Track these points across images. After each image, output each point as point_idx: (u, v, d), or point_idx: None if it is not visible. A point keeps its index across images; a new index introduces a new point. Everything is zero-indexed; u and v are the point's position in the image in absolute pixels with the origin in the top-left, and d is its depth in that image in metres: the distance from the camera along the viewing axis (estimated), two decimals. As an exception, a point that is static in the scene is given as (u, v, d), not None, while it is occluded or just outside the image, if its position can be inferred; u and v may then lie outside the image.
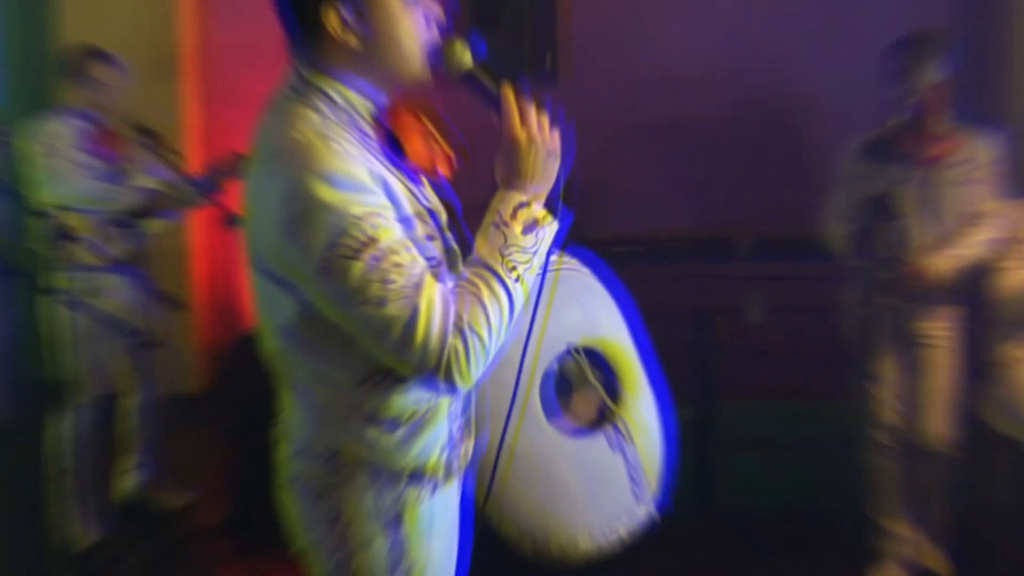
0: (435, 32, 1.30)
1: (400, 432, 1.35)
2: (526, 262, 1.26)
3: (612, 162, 4.00)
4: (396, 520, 1.37)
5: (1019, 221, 2.77)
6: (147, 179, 3.36)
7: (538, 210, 1.28)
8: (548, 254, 1.34)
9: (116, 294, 3.28)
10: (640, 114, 4.19)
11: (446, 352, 1.19)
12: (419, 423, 1.35)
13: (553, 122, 1.27)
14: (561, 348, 1.81)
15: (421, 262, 1.21)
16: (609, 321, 1.87)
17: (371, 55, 1.29)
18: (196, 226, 4.68)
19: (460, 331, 1.20)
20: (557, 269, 1.58)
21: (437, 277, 1.22)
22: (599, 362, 1.83)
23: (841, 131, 2.92)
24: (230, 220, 3.10)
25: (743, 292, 3.48)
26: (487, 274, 1.25)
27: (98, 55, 3.32)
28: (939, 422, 2.79)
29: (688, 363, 3.26)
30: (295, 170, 1.17)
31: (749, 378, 3.57)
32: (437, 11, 1.30)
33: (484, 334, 1.21)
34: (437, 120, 1.39)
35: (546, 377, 1.80)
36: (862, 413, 2.85)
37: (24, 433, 3.74)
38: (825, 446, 3.16)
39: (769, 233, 3.53)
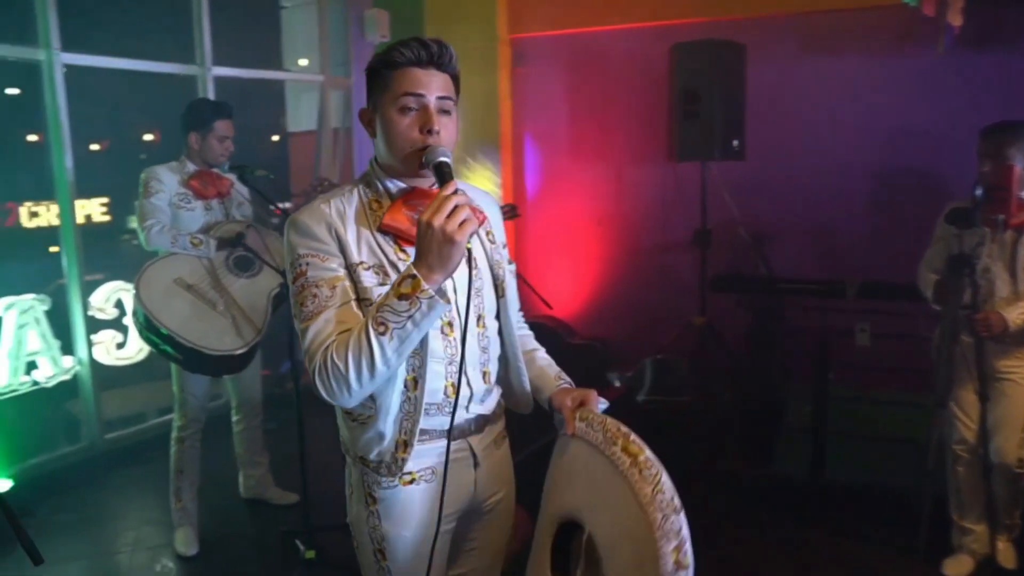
0: (420, 136, 1.43)
1: (355, 426, 1.54)
2: (398, 322, 1.31)
3: (773, 217, 4.43)
4: (370, 498, 1.55)
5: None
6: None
7: (422, 285, 1.29)
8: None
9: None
10: (793, 180, 4.58)
11: (315, 366, 1.37)
12: (362, 422, 1.52)
13: (467, 223, 1.28)
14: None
15: (327, 296, 1.40)
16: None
17: (383, 148, 1.49)
18: (508, 240, 5.65)
19: (326, 356, 1.36)
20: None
21: (344, 310, 1.39)
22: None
23: (940, 198, 3.06)
24: None
25: (855, 322, 3.70)
26: (365, 322, 1.34)
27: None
28: (1010, 442, 2.82)
29: (809, 372, 3.60)
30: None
31: (856, 384, 3.83)
32: (425, 120, 1.42)
33: (341, 364, 1.34)
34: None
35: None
36: (945, 429, 2.94)
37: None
38: (914, 445, 3.34)
39: (876, 278, 3.72)
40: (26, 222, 4.18)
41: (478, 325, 1.57)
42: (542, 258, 5.68)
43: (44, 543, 3.39)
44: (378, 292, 1.40)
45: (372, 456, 1.51)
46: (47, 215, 4.28)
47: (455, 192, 1.32)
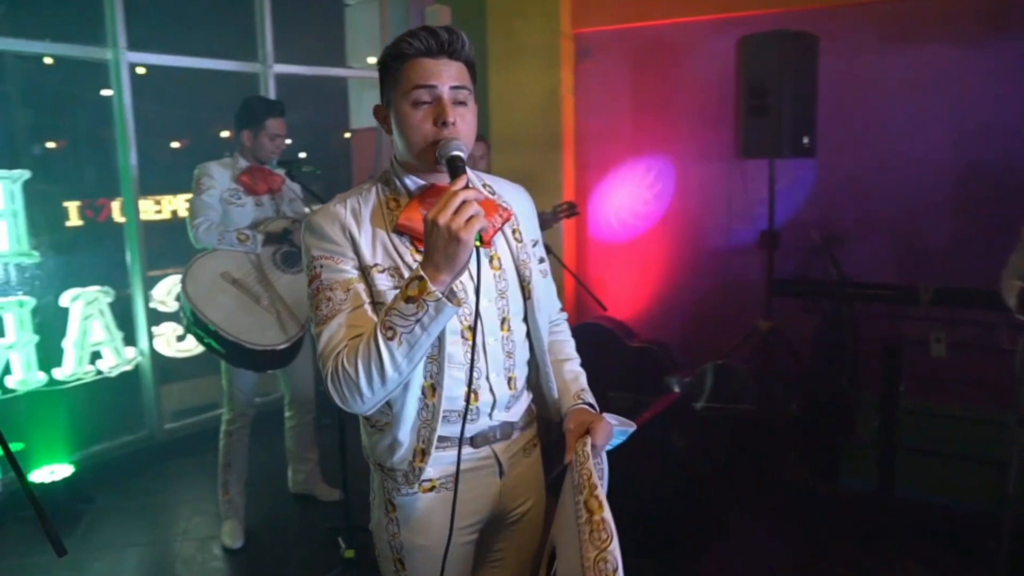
0: (433, 129, 1.37)
1: (372, 432, 1.50)
2: (406, 327, 1.26)
3: (845, 218, 4.18)
4: (390, 505, 1.51)
5: None
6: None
7: (428, 287, 1.24)
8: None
9: None
10: (867, 179, 4.30)
11: (327, 372, 1.33)
12: (379, 428, 1.48)
13: (473, 219, 1.22)
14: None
15: (341, 299, 1.36)
16: None
17: (399, 143, 1.44)
18: (569, 239, 5.57)
19: (338, 362, 1.32)
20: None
21: (358, 314, 1.35)
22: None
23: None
24: (545, 250, 3.86)
25: (930, 331, 3.44)
26: (374, 327, 1.30)
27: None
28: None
29: (880, 383, 3.38)
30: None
31: (930, 398, 3.58)
32: (439, 112, 1.36)
33: (351, 371, 1.29)
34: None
35: None
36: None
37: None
38: (992, 466, 3.13)
39: (954, 284, 3.44)
40: (118, 217, 4.28)
41: (502, 328, 1.50)
42: (603, 257, 5.55)
43: (102, 528, 3.51)
44: (393, 295, 1.34)
45: (389, 464, 1.47)
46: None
47: (465, 187, 1.26)
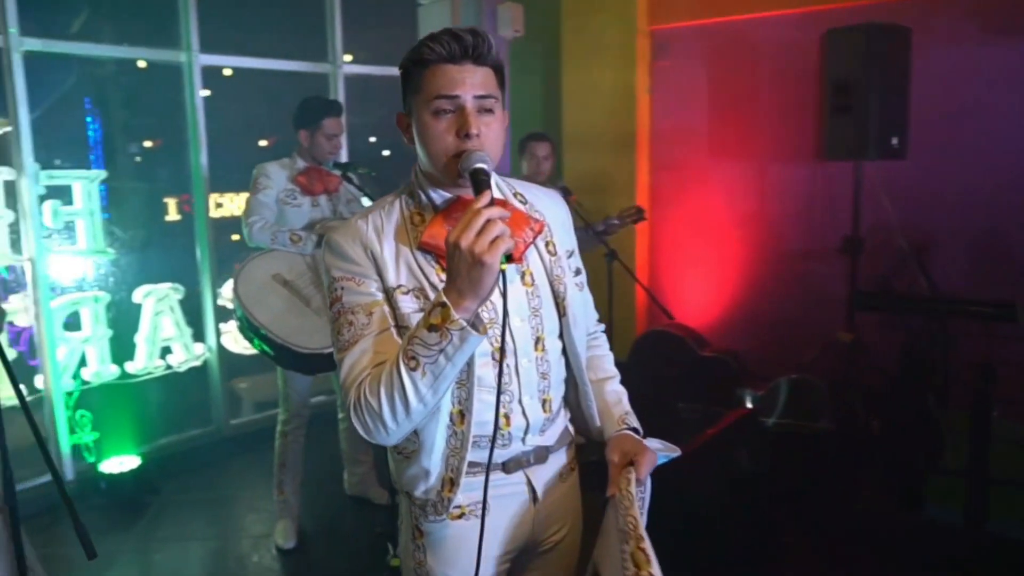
0: (456, 141, 1.28)
1: (399, 459, 1.42)
2: (429, 356, 1.18)
3: (937, 225, 3.85)
4: (417, 531, 1.44)
5: None
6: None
7: (451, 315, 1.16)
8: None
9: None
10: (963, 183, 3.96)
11: (350, 402, 1.26)
12: (406, 456, 1.39)
13: (499, 240, 1.13)
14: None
15: (363, 324, 1.28)
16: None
17: (422, 155, 1.35)
18: (641, 242, 5.39)
19: (360, 392, 1.25)
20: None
21: (382, 339, 1.27)
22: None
23: None
24: (611, 256, 3.73)
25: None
26: (396, 355, 1.22)
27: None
28: None
29: (971, 406, 3.08)
30: None
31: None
32: (463, 124, 1.27)
33: (374, 402, 1.22)
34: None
35: None
36: None
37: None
38: None
39: None
40: (212, 212, 4.38)
41: (536, 348, 1.41)
42: (676, 262, 5.35)
43: (164, 520, 3.58)
44: (418, 319, 1.25)
45: (417, 493, 1.39)
46: (229, 206, 4.59)
47: (490, 203, 1.17)
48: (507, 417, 1.39)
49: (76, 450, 3.77)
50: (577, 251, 1.58)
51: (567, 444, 1.54)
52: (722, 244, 5.08)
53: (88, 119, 5.80)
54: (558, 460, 1.51)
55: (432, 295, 1.30)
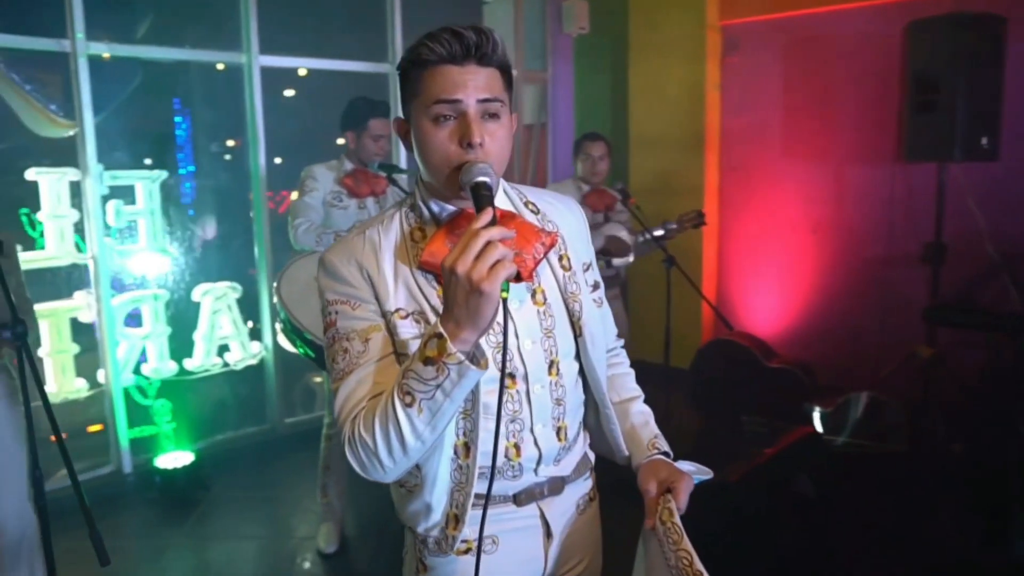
0: (458, 150, 1.16)
1: (402, 493, 1.31)
2: (425, 392, 1.08)
3: None
4: (421, 565, 1.35)
5: None
6: (617, 228, 3.51)
7: (448, 347, 1.05)
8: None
9: None
10: None
11: (344, 436, 1.17)
12: (408, 489, 1.29)
13: (499, 265, 1.02)
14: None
15: (358, 351, 1.19)
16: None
17: (421, 166, 1.24)
18: (709, 247, 5.19)
19: (354, 427, 1.16)
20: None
21: (380, 368, 1.18)
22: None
23: None
24: (669, 262, 3.54)
25: None
26: (391, 389, 1.13)
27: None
28: None
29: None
30: None
31: None
32: (464, 132, 1.16)
33: (368, 439, 1.13)
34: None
35: None
36: None
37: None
38: None
39: None
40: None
41: (550, 373, 1.30)
42: (745, 268, 5.10)
43: (212, 518, 3.60)
44: (418, 344, 1.15)
45: (420, 530, 1.30)
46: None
47: (492, 223, 1.05)
48: (517, 447, 1.28)
49: (135, 444, 3.85)
50: (595, 263, 1.44)
51: (586, 473, 1.43)
52: (794, 250, 4.81)
53: (177, 119, 6.01)
54: (576, 491, 1.40)
55: (433, 319, 1.19)
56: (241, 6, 4.00)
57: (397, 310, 1.21)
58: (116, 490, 3.78)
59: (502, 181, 1.31)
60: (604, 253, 3.64)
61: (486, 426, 1.23)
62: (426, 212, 1.27)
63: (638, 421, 1.43)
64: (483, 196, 1.11)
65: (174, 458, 3.82)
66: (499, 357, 1.22)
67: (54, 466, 3.39)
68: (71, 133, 3.60)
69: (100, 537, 1.86)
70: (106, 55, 3.71)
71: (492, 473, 1.18)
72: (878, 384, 3.90)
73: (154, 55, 3.96)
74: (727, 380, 4.47)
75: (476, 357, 1.09)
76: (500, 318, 1.10)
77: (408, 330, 1.20)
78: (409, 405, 1.09)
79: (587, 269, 1.39)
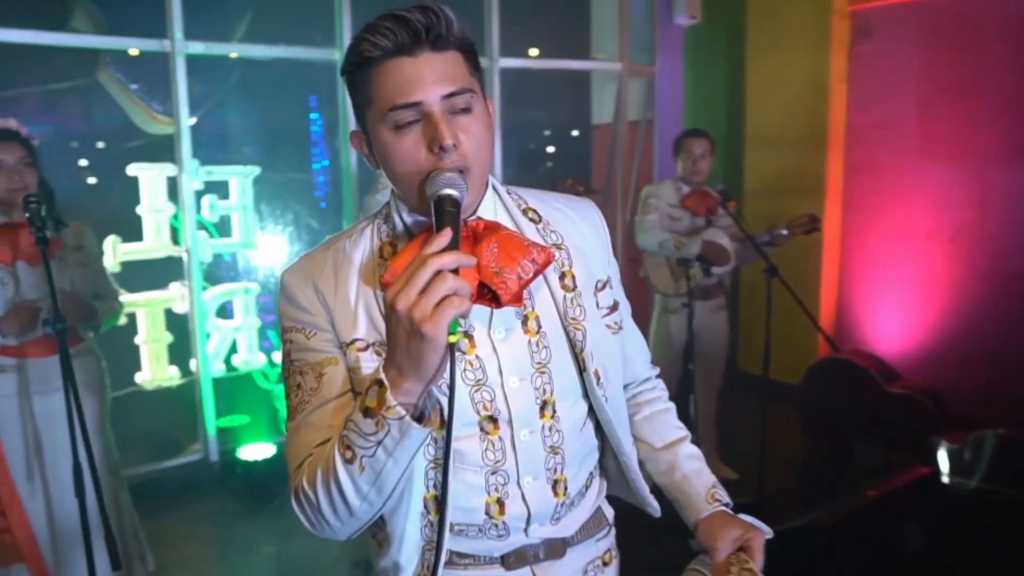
0: (429, 157, 0.98)
1: (373, 544, 1.15)
2: (366, 449, 0.92)
3: None
4: None
5: None
6: (717, 233, 3.39)
7: (388, 398, 0.89)
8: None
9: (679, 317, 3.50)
10: None
11: (292, 487, 1.03)
12: (379, 542, 1.12)
13: (445, 303, 0.84)
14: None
15: (310, 389, 1.04)
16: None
17: (390, 180, 1.07)
18: (829, 256, 4.75)
19: (299, 479, 1.02)
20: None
21: (334, 409, 1.03)
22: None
23: None
24: (771, 271, 3.20)
25: None
26: (334, 441, 0.97)
27: (694, 133, 3.55)
28: None
29: None
30: None
31: None
32: (433, 135, 0.97)
33: (311, 495, 0.99)
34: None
35: None
36: None
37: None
38: None
39: None
40: None
41: (542, 416, 1.10)
42: (870, 280, 4.60)
43: (285, 513, 3.59)
44: (358, 381, 1.03)
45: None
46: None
47: (450, 247, 0.87)
48: (500, 503, 1.09)
49: (221, 433, 3.93)
50: (617, 280, 1.21)
51: (599, 533, 1.21)
52: (927, 261, 4.29)
53: (313, 115, 6.19)
54: (583, 554, 1.18)
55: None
56: (335, 2, 3.98)
57: (354, 341, 1.04)
58: (202, 476, 3.87)
59: (496, 185, 1.13)
60: (701, 260, 3.36)
61: (463, 478, 1.06)
62: (400, 224, 1.09)
63: (690, 468, 1.23)
64: (447, 213, 0.93)
65: (257, 450, 3.86)
66: (478, 404, 1.05)
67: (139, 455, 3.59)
68: (170, 131, 3.70)
69: (115, 541, 1.87)
70: (233, 55, 3.76)
71: (440, 530, 0.94)
72: (1019, 420, 3.36)
73: (248, 53, 3.99)
74: (840, 403, 4.03)
75: (423, 412, 0.92)
76: (489, 354, 0.98)
77: (369, 364, 1.03)
78: (349, 462, 0.93)
79: (602, 288, 1.16)
